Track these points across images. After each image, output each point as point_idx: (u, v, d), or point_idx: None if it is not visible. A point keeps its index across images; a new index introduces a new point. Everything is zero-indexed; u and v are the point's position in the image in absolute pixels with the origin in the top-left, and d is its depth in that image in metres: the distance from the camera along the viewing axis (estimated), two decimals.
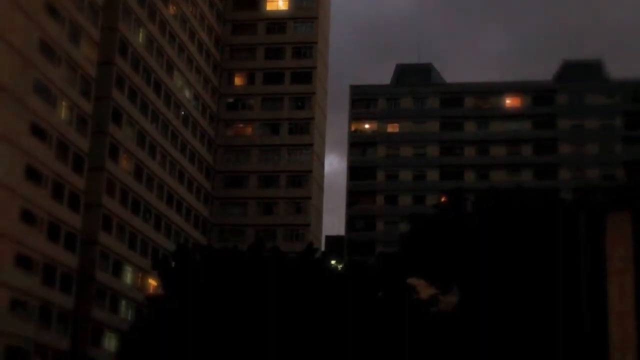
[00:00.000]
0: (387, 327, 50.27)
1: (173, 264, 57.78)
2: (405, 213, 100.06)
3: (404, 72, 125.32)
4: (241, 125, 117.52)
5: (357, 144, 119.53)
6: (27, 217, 70.91)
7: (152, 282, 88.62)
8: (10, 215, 68.49)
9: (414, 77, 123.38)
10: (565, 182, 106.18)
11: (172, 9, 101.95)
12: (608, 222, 52.07)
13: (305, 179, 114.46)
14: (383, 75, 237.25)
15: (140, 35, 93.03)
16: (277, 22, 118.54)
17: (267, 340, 47.28)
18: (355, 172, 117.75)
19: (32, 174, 71.57)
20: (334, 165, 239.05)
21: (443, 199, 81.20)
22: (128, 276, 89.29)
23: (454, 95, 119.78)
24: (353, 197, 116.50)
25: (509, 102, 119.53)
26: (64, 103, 76.47)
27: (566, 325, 51.96)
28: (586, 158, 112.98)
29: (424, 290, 54.23)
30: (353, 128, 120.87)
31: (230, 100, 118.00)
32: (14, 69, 68.83)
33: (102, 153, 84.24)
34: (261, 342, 46.58)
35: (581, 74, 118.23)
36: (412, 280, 54.37)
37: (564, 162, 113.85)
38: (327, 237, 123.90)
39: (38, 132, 72.30)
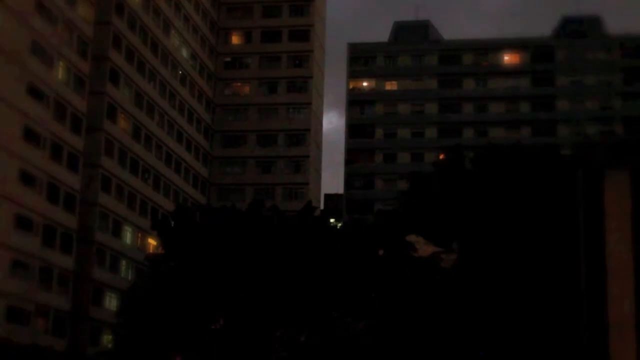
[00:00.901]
0: (387, 283, 50.52)
1: (172, 223, 57.90)
2: (403, 171, 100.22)
3: (401, 30, 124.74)
4: (239, 84, 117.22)
5: (356, 102, 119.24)
6: (26, 178, 70.97)
7: (152, 242, 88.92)
8: (9, 176, 68.54)
9: (412, 34, 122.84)
10: (564, 139, 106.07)
11: None
12: (606, 179, 52.17)
13: (304, 137, 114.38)
14: (381, 33, 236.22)
15: None
16: None
17: (267, 298, 47.53)
18: (353, 130, 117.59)
19: (30, 135, 71.51)
20: (334, 122, 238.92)
21: (441, 157, 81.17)
22: (128, 236, 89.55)
23: (452, 52, 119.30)
24: (352, 155, 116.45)
25: (508, 58, 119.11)
26: (61, 63, 76.22)
27: (564, 281, 52.20)
28: (585, 114, 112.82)
29: (423, 247, 54.38)
30: (351, 86, 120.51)
31: (228, 59, 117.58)
32: (10, 30, 68.51)
33: (100, 113, 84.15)
34: (261, 300, 46.83)
35: (580, 30, 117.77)
36: (411, 238, 54.50)
37: (562, 118, 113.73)
38: (326, 196, 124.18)
39: (35, 93, 72.14)
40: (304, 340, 46.78)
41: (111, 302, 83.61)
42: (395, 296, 49.11)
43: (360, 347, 47.44)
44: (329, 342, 46.81)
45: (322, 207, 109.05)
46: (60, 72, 76.20)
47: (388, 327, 48.11)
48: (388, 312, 48.60)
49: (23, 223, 70.39)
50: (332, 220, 64.13)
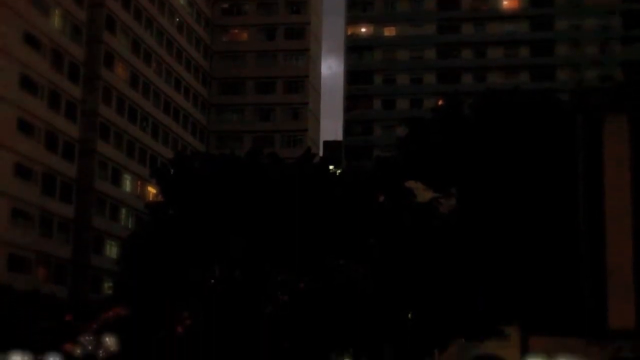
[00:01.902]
0: (386, 229, 50.71)
1: (171, 171, 57.91)
2: (402, 117, 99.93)
3: None
4: (237, 31, 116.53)
5: (354, 48, 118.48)
6: (24, 126, 70.86)
7: (152, 190, 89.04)
8: (7, 125, 68.45)
9: None
10: (563, 84, 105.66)
11: None
12: (605, 124, 52.18)
13: (302, 84, 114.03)
14: None
15: None
16: None
17: (267, 245, 47.72)
18: (352, 76, 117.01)
19: (28, 84, 71.26)
20: (333, 68, 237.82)
21: (440, 102, 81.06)
22: (127, 184, 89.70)
23: None
24: (351, 101, 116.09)
25: (506, 3, 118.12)
26: (57, 11, 75.70)
27: (563, 225, 52.42)
28: (584, 59, 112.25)
29: (422, 193, 54.51)
30: (349, 32, 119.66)
31: (225, 5, 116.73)
32: None
33: (98, 62, 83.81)
34: (261, 246, 47.02)
35: None
36: (410, 184, 54.61)
37: (561, 63, 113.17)
38: (325, 143, 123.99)
39: (32, 41, 71.74)
40: (303, 286, 47.06)
41: (111, 250, 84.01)
42: (395, 241, 49.32)
43: (359, 292, 47.74)
44: (329, 288, 47.09)
45: (321, 154, 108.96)
46: (56, 20, 75.71)
47: (387, 272, 48.39)
48: (387, 257, 48.85)
49: (22, 172, 70.45)
50: (331, 167, 64.10)
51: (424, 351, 52.11)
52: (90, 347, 35.67)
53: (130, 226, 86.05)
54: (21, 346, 43.07)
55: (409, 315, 49.41)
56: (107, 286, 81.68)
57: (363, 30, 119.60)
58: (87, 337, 36.73)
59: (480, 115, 59.12)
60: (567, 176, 52.56)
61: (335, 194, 51.65)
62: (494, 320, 51.94)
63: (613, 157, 51.44)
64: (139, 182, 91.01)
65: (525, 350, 53.94)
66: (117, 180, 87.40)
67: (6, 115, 68.37)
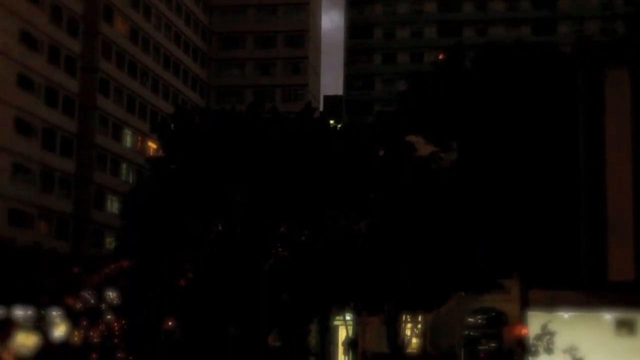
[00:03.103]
0: (387, 183, 50.76)
1: (172, 126, 57.82)
2: (403, 71, 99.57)
3: None
4: None
5: (355, 2, 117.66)
6: (24, 82, 70.71)
7: (152, 145, 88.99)
8: (7, 80, 68.30)
9: None
10: (565, 37, 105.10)
11: None
12: (606, 77, 52.01)
13: (302, 38, 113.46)
14: None
15: None
16: None
17: (268, 199, 47.80)
18: (353, 30, 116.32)
19: (27, 38, 70.98)
20: (334, 22, 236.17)
21: (441, 56, 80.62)
22: (128, 139, 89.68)
23: None
24: (351, 56, 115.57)
25: None
26: None
27: (564, 178, 52.46)
28: (586, 12, 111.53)
29: (423, 147, 54.46)
30: None
31: None
32: None
33: (97, 16, 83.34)
34: (261, 200, 47.10)
35: None
36: (410, 138, 54.54)
37: (563, 16, 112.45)
38: (326, 97, 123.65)
39: None
40: (304, 240, 47.20)
41: (113, 205, 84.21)
42: (395, 195, 49.39)
43: (359, 246, 47.88)
44: (329, 242, 47.22)
45: (321, 108, 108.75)
46: None
47: (387, 226, 48.50)
48: (387, 211, 48.94)
49: (23, 127, 70.42)
50: (331, 121, 63.97)
51: (424, 304, 52.39)
52: (92, 301, 35.91)
53: (131, 181, 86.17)
54: (23, 300, 43.26)
55: (409, 269, 49.56)
56: (109, 241, 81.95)
57: None
58: (89, 291, 36.93)
59: (481, 68, 58.91)
60: (568, 129, 52.50)
61: (335, 148, 51.59)
62: (493, 273, 52.16)
63: (614, 110, 51.34)
64: (139, 137, 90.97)
65: (525, 303, 54.19)
66: (117, 135, 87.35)
67: (6, 70, 68.19)
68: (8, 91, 68.23)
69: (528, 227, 53.06)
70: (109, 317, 35.18)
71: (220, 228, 45.86)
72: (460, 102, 56.42)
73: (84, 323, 35.83)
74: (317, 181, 48.99)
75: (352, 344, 57.14)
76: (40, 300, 41.62)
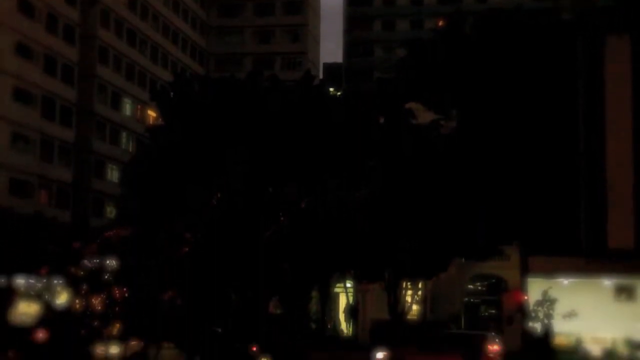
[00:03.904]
0: (387, 150, 50.72)
1: (171, 94, 57.66)
2: (403, 38, 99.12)
3: None
4: None
5: None
6: (23, 51, 70.49)
7: (152, 114, 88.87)
8: (5, 49, 68.09)
9: None
10: (566, 2, 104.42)
11: None
12: (607, 43, 51.86)
13: (302, 5, 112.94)
14: None
15: None
16: None
17: (270, 166, 47.80)
18: None
19: (24, 8, 70.69)
20: None
21: (441, 23, 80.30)
22: (127, 108, 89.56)
23: None
24: (351, 23, 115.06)
25: None
26: None
27: (564, 144, 52.44)
28: None
29: (423, 115, 54.38)
30: None
31: None
32: None
33: None
34: (263, 168, 47.09)
35: None
36: (410, 105, 54.44)
37: None
38: (325, 65, 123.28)
39: None
40: (304, 207, 47.23)
41: (113, 174, 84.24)
42: (395, 163, 49.36)
43: (359, 214, 47.91)
44: (329, 210, 47.24)
45: (321, 76, 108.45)
46: None
47: (387, 194, 48.50)
48: (388, 178, 48.93)
49: (21, 96, 70.28)
50: (331, 89, 63.78)
51: (424, 272, 52.49)
52: (93, 269, 36.04)
53: (130, 150, 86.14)
54: (25, 269, 43.40)
55: (410, 236, 49.61)
56: (110, 210, 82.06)
57: None
58: (90, 260, 37.04)
59: (481, 35, 58.71)
60: (569, 96, 52.42)
61: (334, 118, 51.49)
62: (493, 240, 52.25)
63: (614, 76, 51.24)
64: (138, 106, 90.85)
65: (525, 270, 54.39)
66: (116, 104, 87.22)
67: (4, 38, 67.95)
68: (6, 60, 68.05)
69: (528, 194, 53.12)
70: (110, 284, 35.31)
71: (219, 196, 45.88)
72: (460, 69, 56.29)
73: (86, 291, 35.96)
74: (317, 149, 48.95)
75: (353, 311, 57.40)
76: (42, 269, 41.74)
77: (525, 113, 53.64)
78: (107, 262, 37.63)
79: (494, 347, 39.20)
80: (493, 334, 42.85)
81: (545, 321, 50.41)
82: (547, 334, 50.59)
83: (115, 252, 39.07)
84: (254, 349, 36.69)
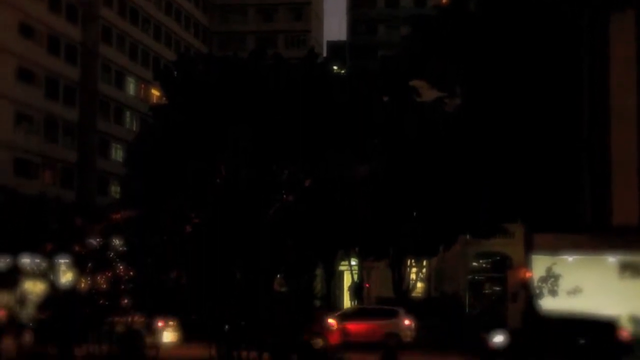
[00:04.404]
0: (391, 128, 50.72)
1: (175, 73, 57.62)
2: (407, 15, 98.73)
3: None
4: None
5: None
6: (26, 30, 70.42)
7: (155, 93, 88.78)
8: (8, 28, 68.00)
9: None
10: None
11: None
12: (611, 21, 51.61)
13: None
14: None
15: None
16: None
17: (273, 144, 47.80)
18: None
19: None
20: None
21: (445, 0, 79.93)
22: (131, 87, 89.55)
23: None
24: (355, 1, 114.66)
25: None
26: None
27: (568, 119, 52.29)
28: None
29: (427, 92, 54.26)
30: None
31: None
32: None
33: None
34: (265, 146, 47.09)
35: None
36: (415, 83, 54.34)
37: None
38: (329, 43, 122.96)
39: None
40: (308, 185, 47.27)
41: (117, 153, 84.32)
42: (399, 140, 49.37)
43: (363, 190, 47.97)
44: (333, 187, 47.29)
45: (324, 54, 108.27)
46: None
47: (391, 171, 48.53)
48: (391, 156, 48.95)
49: (25, 75, 70.27)
50: (335, 67, 63.69)
51: (429, 249, 52.61)
52: (99, 248, 36.07)
53: (134, 129, 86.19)
54: (30, 249, 43.51)
55: (414, 214, 49.70)
56: (114, 189, 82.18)
57: None
58: (95, 239, 37.07)
59: (486, 11, 58.43)
60: (574, 71, 52.25)
61: (338, 98, 51.42)
62: (498, 217, 52.25)
63: (619, 55, 51.06)
64: (142, 85, 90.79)
65: (529, 247, 54.40)
66: (120, 83, 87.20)
67: (7, 18, 67.87)
68: (9, 39, 68.00)
69: (532, 170, 53.04)
70: (115, 263, 35.36)
71: (224, 173, 45.91)
72: (464, 46, 56.05)
73: (91, 270, 36.06)
74: (320, 127, 48.92)
75: (357, 289, 57.51)
76: (47, 248, 41.84)
77: (529, 90, 53.48)
78: (113, 241, 37.69)
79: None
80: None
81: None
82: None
83: (121, 232, 39.13)
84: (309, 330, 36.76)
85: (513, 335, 36.32)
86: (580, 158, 52.00)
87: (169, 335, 37.49)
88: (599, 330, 35.79)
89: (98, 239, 36.93)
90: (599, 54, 51.28)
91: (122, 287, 34.74)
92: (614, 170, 51.14)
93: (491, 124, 52.10)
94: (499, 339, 35.47)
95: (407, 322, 44.27)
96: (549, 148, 52.99)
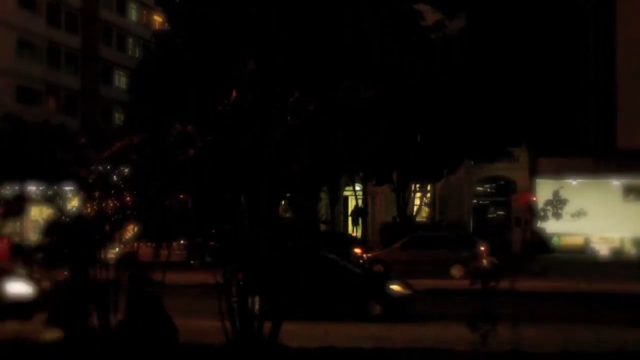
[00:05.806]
0: (394, 51, 50.38)
1: None
2: None
3: None
4: None
5: None
6: None
7: (158, 19, 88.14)
8: None
9: None
10: None
11: None
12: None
13: None
14: None
15: None
16: None
17: (277, 68, 47.54)
18: None
19: None
20: None
21: None
22: (133, 13, 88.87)
23: None
24: None
25: None
26: None
27: (572, 41, 51.93)
28: None
29: (430, 15, 53.75)
30: None
31: None
32: None
33: None
34: (270, 69, 46.88)
35: None
36: (418, 6, 53.81)
37: None
38: None
39: None
40: (313, 109, 47.13)
41: (120, 80, 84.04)
42: (402, 64, 49.08)
43: (367, 114, 47.84)
44: (338, 110, 47.18)
45: None
46: None
47: (395, 95, 48.35)
48: (395, 80, 48.72)
49: (26, 2, 69.79)
50: None
51: (433, 173, 52.64)
52: (104, 173, 36.18)
53: (137, 56, 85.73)
54: (36, 176, 43.67)
55: (418, 138, 49.63)
56: (118, 116, 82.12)
57: None
58: (101, 165, 37.19)
59: None
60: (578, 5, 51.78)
61: (342, 15, 50.94)
62: (502, 141, 52.20)
63: (625, 37, 50.59)
64: (144, 11, 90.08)
65: (533, 171, 54.57)
66: (122, 9, 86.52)
67: None
68: None
69: (537, 94, 52.88)
70: (121, 189, 35.52)
71: (229, 97, 45.81)
72: None
73: (97, 195, 36.19)
74: (326, 49, 48.60)
75: (361, 213, 57.47)
76: (52, 175, 41.91)
77: (535, 8, 53.04)
78: (119, 167, 37.79)
79: None
80: None
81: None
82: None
83: (126, 158, 39.20)
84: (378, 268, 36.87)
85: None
86: (586, 81, 51.89)
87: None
88: None
89: (104, 165, 37.04)
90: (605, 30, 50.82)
91: (128, 212, 34.95)
92: (618, 95, 51.08)
93: (495, 45, 51.78)
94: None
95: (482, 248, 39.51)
96: (554, 71, 52.79)
